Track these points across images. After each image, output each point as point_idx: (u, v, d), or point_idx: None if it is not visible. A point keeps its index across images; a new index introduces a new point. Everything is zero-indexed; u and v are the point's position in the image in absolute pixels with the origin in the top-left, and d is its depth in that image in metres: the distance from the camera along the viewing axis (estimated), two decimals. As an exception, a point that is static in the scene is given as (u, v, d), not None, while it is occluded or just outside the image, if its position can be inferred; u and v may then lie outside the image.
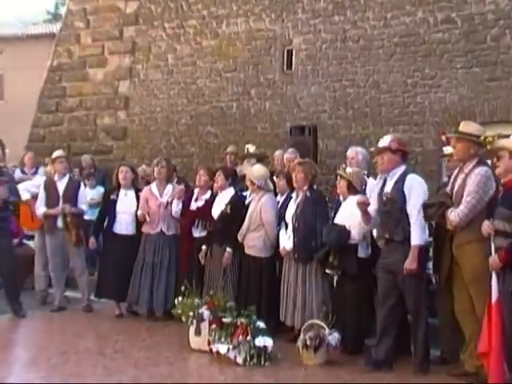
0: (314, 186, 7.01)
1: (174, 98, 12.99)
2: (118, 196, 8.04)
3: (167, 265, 7.80)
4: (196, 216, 7.68)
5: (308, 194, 6.69)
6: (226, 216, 7.31)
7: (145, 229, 7.92)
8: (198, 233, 7.80)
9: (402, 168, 6.08)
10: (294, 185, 6.85)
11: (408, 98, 10.83)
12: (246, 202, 7.48)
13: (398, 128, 10.67)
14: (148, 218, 7.77)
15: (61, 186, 8.34)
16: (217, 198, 7.65)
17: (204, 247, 7.51)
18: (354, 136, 11.10)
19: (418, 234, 5.90)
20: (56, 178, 8.38)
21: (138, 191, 8.08)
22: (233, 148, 10.58)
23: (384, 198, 5.96)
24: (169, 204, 7.80)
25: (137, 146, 13.34)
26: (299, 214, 6.67)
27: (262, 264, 7.02)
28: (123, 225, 8.01)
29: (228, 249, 7.22)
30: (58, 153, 8.63)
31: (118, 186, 8.11)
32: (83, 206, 8.35)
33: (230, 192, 7.57)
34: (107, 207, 8.04)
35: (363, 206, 5.97)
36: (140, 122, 13.47)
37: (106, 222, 8.16)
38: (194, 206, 7.82)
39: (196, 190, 7.87)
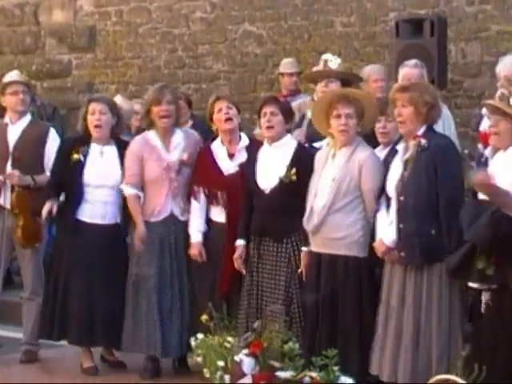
0: (435, 127, 5.73)
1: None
2: (86, 156, 6.43)
3: (185, 276, 6.31)
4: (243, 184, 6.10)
5: (423, 142, 5.51)
6: (288, 187, 5.93)
7: (145, 214, 6.33)
8: None
9: None
10: (399, 129, 5.66)
11: None
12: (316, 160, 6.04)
13: None
14: (141, 194, 6.23)
15: (14, 134, 6.82)
16: (261, 155, 6.06)
17: (240, 242, 6.00)
18: (516, 35, 9.38)
19: None
20: (7, 119, 6.87)
21: (123, 146, 6.54)
22: (291, 63, 8.95)
23: None
24: (183, 165, 6.27)
25: (115, 61, 11.34)
26: (408, 181, 5.56)
27: (361, 271, 5.71)
28: (98, 207, 6.43)
29: (305, 248, 5.85)
30: (12, 76, 7.10)
31: (87, 138, 6.50)
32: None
33: (289, 143, 6.06)
34: (66, 175, 6.42)
35: None
36: (119, 18, 11.30)
37: (61, 203, 6.53)
38: (230, 166, 6.19)
39: (218, 141, 6.22)
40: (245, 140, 6.19)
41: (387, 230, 5.70)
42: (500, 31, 9.29)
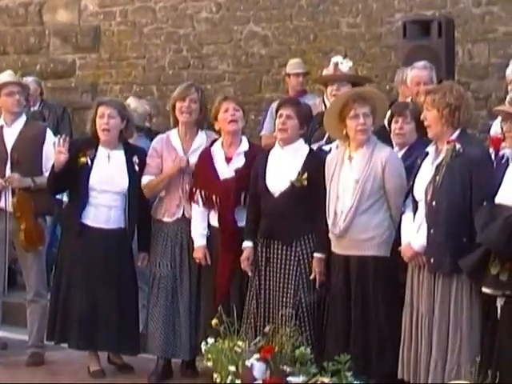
0: (468, 131, 5.68)
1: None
2: (93, 160, 6.32)
3: (194, 277, 6.27)
4: (240, 187, 6.08)
5: (458, 147, 5.40)
6: (298, 191, 5.91)
7: (159, 213, 6.30)
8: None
9: None
10: (429, 133, 5.56)
11: None
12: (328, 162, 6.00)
13: None
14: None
15: (10, 136, 6.68)
16: (272, 158, 6.00)
17: (248, 244, 5.99)
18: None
19: None
20: (2, 121, 6.71)
21: (130, 151, 6.46)
22: (298, 63, 8.86)
23: None
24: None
25: (119, 62, 11.31)
26: (441, 185, 5.43)
27: (385, 271, 5.66)
28: (102, 211, 6.35)
29: (317, 254, 5.80)
30: (4, 76, 6.91)
31: (95, 141, 6.43)
32: None
33: (301, 148, 6.02)
34: (72, 177, 6.32)
35: None
36: (124, 19, 11.19)
37: (66, 205, 6.68)
38: (225, 170, 6.14)
39: (219, 143, 6.22)
40: (244, 145, 6.11)
41: (415, 234, 5.60)
42: (507, 32, 9.29)
